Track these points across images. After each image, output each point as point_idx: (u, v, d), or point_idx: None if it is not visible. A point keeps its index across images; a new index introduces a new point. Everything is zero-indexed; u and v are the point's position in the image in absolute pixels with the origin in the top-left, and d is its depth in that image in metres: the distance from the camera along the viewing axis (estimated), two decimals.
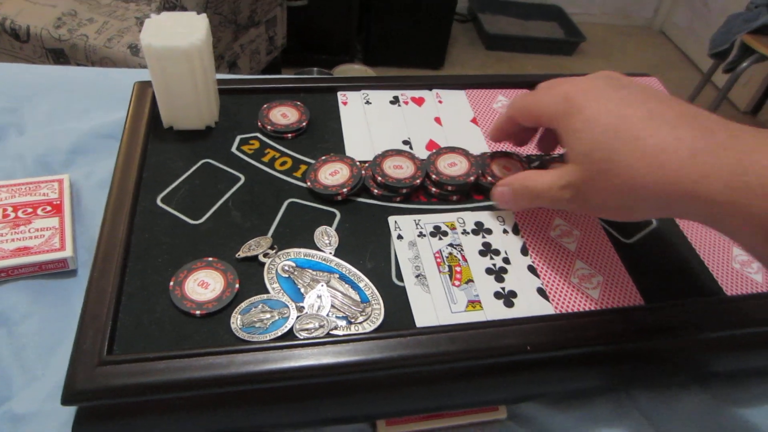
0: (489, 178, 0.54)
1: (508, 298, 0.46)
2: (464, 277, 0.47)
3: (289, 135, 0.57)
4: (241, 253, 0.46)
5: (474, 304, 0.45)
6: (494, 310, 0.45)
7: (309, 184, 0.52)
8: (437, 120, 0.61)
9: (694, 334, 0.46)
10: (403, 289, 0.45)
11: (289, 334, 0.42)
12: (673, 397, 0.50)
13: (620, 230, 0.53)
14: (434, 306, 0.44)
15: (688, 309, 0.47)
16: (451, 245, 0.49)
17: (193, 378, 0.38)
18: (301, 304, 0.43)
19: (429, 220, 0.51)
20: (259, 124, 0.58)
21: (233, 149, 0.55)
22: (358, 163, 0.53)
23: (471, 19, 2.60)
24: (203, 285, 0.44)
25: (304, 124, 0.57)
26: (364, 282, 0.46)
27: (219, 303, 0.43)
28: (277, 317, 0.42)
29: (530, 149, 0.60)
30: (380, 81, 0.65)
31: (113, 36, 1.30)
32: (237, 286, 0.44)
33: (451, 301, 0.45)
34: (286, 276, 0.45)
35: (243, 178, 0.52)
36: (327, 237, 0.48)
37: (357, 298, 0.45)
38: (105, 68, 0.77)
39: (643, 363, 0.48)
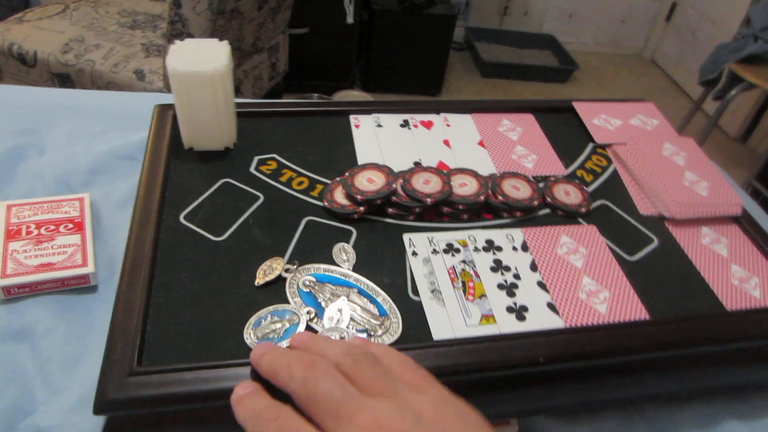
0: (499, 198, 0.56)
1: (520, 312, 0.48)
2: (477, 292, 0.49)
3: (378, 201, 0.53)
4: (259, 281, 0.47)
5: (488, 318, 0.47)
6: (507, 324, 0.47)
7: (326, 203, 0.54)
8: (446, 142, 0.64)
9: (698, 347, 0.48)
10: (419, 303, 0.47)
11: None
12: (678, 410, 0.52)
13: (623, 247, 0.55)
14: (450, 320, 0.46)
15: (692, 323, 0.48)
16: (464, 261, 0.51)
17: (221, 388, 0.40)
18: (306, 309, 0.45)
19: (442, 238, 0.53)
20: (343, 191, 0.55)
21: (252, 169, 0.57)
22: (392, 170, 0.56)
23: (467, 47, 2.66)
24: None
25: (394, 186, 0.54)
26: (382, 296, 0.48)
27: None
28: (288, 325, 0.44)
29: (537, 170, 0.62)
30: (390, 105, 0.68)
31: (119, 62, 1.33)
32: None
33: (465, 315, 0.47)
34: (307, 291, 0.47)
35: (262, 197, 0.54)
36: (345, 254, 0.50)
37: (376, 311, 0.46)
38: (118, 92, 0.80)
39: (650, 376, 0.49)
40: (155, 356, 0.42)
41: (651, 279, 0.52)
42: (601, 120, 0.70)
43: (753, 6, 2.09)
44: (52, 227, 0.56)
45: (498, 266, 0.51)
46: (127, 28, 1.46)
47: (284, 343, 0.43)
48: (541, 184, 0.60)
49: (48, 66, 1.35)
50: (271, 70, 1.69)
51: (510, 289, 0.49)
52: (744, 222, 0.59)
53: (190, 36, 1.26)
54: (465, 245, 0.52)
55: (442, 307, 0.47)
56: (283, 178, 0.57)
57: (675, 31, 2.82)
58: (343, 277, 0.48)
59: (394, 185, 0.53)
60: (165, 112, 0.60)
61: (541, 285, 0.50)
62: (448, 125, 0.66)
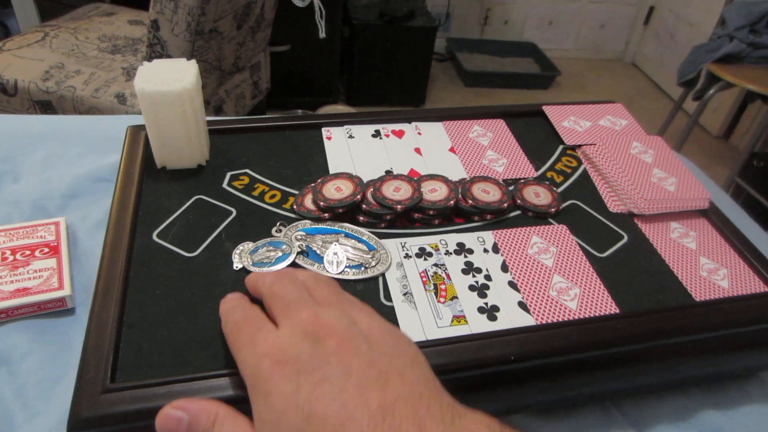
0: (469, 202, 0.57)
1: (491, 312, 0.48)
2: (449, 294, 0.49)
3: (341, 210, 0.55)
4: (239, 264, 0.50)
5: (459, 319, 0.47)
6: (478, 324, 0.47)
7: (295, 207, 0.56)
8: (417, 150, 0.65)
9: (668, 338, 0.49)
10: (392, 308, 0.48)
11: (293, 266, 0.50)
12: (656, 401, 0.53)
13: (594, 245, 0.56)
14: (421, 322, 0.47)
15: (660, 315, 0.49)
16: (435, 265, 0.52)
17: None
18: (299, 242, 0.53)
19: (414, 243, 0.54)
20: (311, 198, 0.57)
21: (224, 185, 0.58)
22: (362, 181, 0.57)
23: (449, 57, 2.68)
24: None
25: (358, 196, 0.55)
26: (366, 235, 0.53)
27: None
28: (280, 254, 0.51)
29: (508, 173, 0.63)
30: (362, 116, 0.69)
31: (100, 86, 1.34)
32: None
33: (437, 317, 0.47)
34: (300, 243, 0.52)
35: (235, 212, 0.55)
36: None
37: (365, 248, 0.52)
38: (97, 116, 0.80)
39: (623, 369, 0.50)
40: (129, 373, 0.42)
41: (621, 274, 0.53)
42: (570, 122, 0.71)
43: (727, 6, 2.12)
44: (28, 252, 0.56)
45: (469, 268, 0.52)
46: (107, 53, 1.47)
47: (275, 268, 0.49)
48: (511, 187, 0.60)
49: (29, 94, 1.36)
50: (253, 89, 1.71)
51: (481, 290, 0.50)
52: (712, 215, 0.61)
53: (170, 58, 1.27)
54: (437, 249, 0.53)
55: (414, 309, 0.48)
56: (256, 192, 0.57)
57: (653, 34, 2.86)
58: (329, 226, 0.54)
59: (359, 195, 0.54)
60: (137, 132, 0.61)
61: (512, 285, 0.51)
62: (419, 133, 0.67)
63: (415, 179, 0.58)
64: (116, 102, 1.30)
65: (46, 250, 0.57)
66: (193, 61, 0.55)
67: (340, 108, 2.10)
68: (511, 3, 2.70)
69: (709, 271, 0.55)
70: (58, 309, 0.54)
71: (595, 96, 2.67)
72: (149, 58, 1.28)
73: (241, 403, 0.41)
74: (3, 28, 1.87)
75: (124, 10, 1.73)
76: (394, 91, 2.26)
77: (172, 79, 0.53)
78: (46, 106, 1.38)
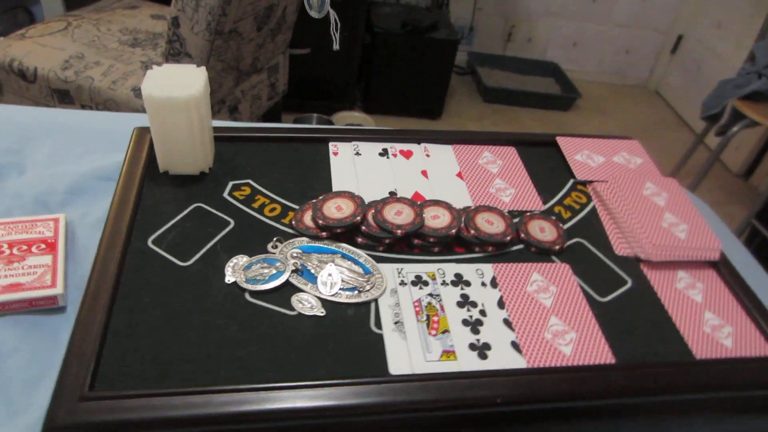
0: (471, 231, 0.56)
1: (482, 350, 0.47)
2: (441, 327, 0.48)
3: (339, 230, 0.54)
4: (231, 278, 0.49)
5: (449, 354, 0.46)
6: (468, 361, 0.46)
7: (293, 223, 0.55)
8: (424, 173, 0.64)
9: (663, 395, 0.47)
10: (380, 336, 0.47)
11: (286, 285, 0.49)
12: None
13: (596, 288, 0.54)
14: (409, 354, 0.46)
15: (657, 370, 0.48)
16: (430, 295, 0.51)
17: (171, 416, 0.39)
18: (293, 260, 0.51)
19: (411, 270, 0.53)
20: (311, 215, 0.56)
21: (225, 194, 0.57)
22: (363, 201, 0.56)
23: (470, 72, 2.67)
24: None
25: (358, 218, 0.54)
26: (363, 257, 0.52)
27: None
28: (274, 271, 0.50)
29: (514, 204, 0.62)
30: (372, 133, 0.68)
31: (118, 79, 1.34)
32: None
33: (426, 350, 0.46)
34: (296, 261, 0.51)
35: (233, 223, 0.54)
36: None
37: (361, 270, 0.51)
38: (106, 112, 0.81)
39: (614, 421, 0.48)
40: (109, 382, 0.41)
41: (621, 322, 0.52)
42: (583, 156, 0.70)
43: (758, 43, 2.09)
44: (25, 247, 0.56)
45: (465, 301, 0.51)
46: (127, 45, 1.48)
47: (268, 286, 0.49)
48: (516, 219, 0.59)
49: (48, 82, 1.37)
50: (270, 90, 1.71)
51: (474, 326, 0.49)
52: (722, 267, 0.59)
53: (188, 56, 1.28)
54: (434, 278, 0.52)
55: (404, 340, 0.47)
56: (256, 204, 0.57)
57: (680, 63, 2.83)
58: (326, 245, 0.53)
59: (359, 217, 0.53)
60: (143, 134, 0.61)
61: (507, 323, 0.50)
62: (427, 155, 0.66)
63: (418, 204, 0.57)
64: (132, 95, 1.31)
65: (43, 246, 0.57)
66: (203, 68, 0.54)
67: (356, 115, 2.10)
68: (536, 21, 2.69)
69: (713, 328, 0.53)
70: (49, 306, 0.54)
71: (614, 121, 2.65)
72: (168, 55, 1.29)
73: (220, 423, 0.40)
74: (28, 15, 1.88)
75: (148, 4, 1.73)
76: (412, 101, 2.25)
77: (180, 85, 0.52)
78: (63, 95, 1.38)
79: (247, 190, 0.58)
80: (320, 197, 0.56)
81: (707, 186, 2.25)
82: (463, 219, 0.57)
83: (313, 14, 0.74)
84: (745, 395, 0.50)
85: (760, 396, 0.49)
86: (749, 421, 0.51)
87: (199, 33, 1.24)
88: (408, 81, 2.20)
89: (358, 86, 2.28)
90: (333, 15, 0.76)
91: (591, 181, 0.67)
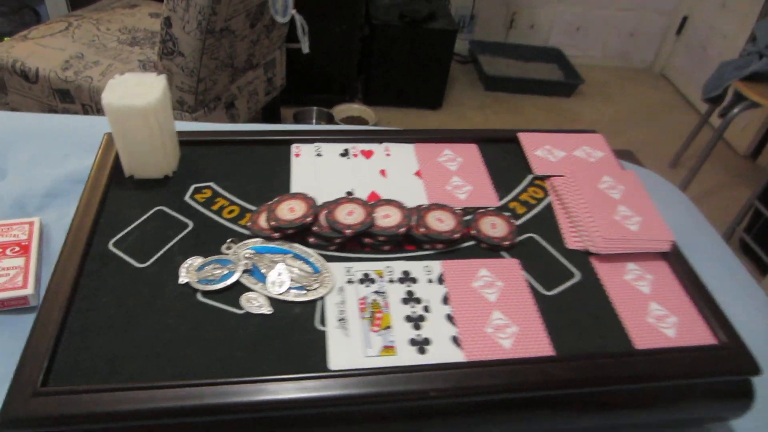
0: (421, 230, 0.58)
1: (422, 345, 0.49)
2: (383, 323, 0.50)
3: (290, 231, 0.56)
4: (185, 278, 0.52)
5: (389, 349, 0.48)
6: (407, 356, 0.48)
7: (249, 224, 0.57)
8: (382, 172, 0.65)
9: (600, 386, 0.49)
10: (323, 334, 0.49)
11: (237, 285, 0.52)
12: None
13: (543, 282, 0.56)
14: (349, 349, 0.48)
15: (595, 362, 0.49)
16: (376, 292, 0.53)
17: (118, 410, 0.42)
18: (245, 261, 0.54)
19: (360, 268, 0.55)
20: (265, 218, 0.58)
21: (186, 197, 0.60)
22: (315, 203, 0.58)
23: (471, 60, 2.66)
24: None
25: (309, 219, 0.56)
26: (314, 257, 0.55)
27: None
28: (226, 272, 0.52)
29: (470, 201, 0.64)
30: (335, 134, 0.70)
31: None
32: None
33: (367, 345, 0.48)
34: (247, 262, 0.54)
35: (191, 225, 0.57)
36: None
37: (310, 270, 0.53)
38: (90, 116, 0.83)
39: (551, 413, 0.50)
40: (62, 378, 0.44)
41: (564, 315, 0.53)
42: (544, 151, 0.71)
43: (759, 22, 2.06)
44: (0, 250, 0.59)
45: (410, 298, 0.53)
46: (126, 45, 1.51)
47: (219, 286, 0.51)
48: (468, 217, 0.61)
49: (49, 82, 1.41)
50: (267, 86, 1.73)
51: (417, 322, 0.51)
52: (673, 259, 0.60)
53: (181, 55, 1.30)
54: (381, 276, 0.54)
55: (346, 336, 0.49)
56: (215, 207, 0.59)
57: (685, 45, 2.79)
58: (278, 246, 0.55)
59: (309, 218, 0.55)
60: (113, 140, 0.63)
61: (449, 318, 0.51)
62: (388, 155, 0.68)
63: (370, 204, 0.59)
64: None
65: (17, 249, 0.60)
66: (162, 77, 0.57)
67: (356, 107, 2.11)
68: (538, 7, 2.66)
69: (657, 318, 0.54)
70: (21, 306, 0.57)
71: (619, 106, 2.62)
72: (162, 54, 1.31)
73: (159, 417, 0.43)
74: (35, 15, 1.93)
75: (147, 2, 1.76)
76: (412, 92, 2.26)
77: (138, 94, 0.55)
78: (64, 94, 1.42)
79: (208, 193, 0.61)
80: (275, 199, 0.58)
81: (713, 167, 2.23)
82: (414, 218, 0.59)
83: (278, 19, 0.75)
84: (686, 383, 0.51)
85: (701, 383, 0.51)
86: (693, 408, 0.53)
87: (190, 32, 1.26)
88: (408, 72, 2.21)
89: (359, 79, 2.29)
90: (299, 19, 0.77)
91: (549, 176, 0.68)
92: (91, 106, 1.42)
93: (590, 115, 2.50)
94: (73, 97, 1.43)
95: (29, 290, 0.56)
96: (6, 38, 1.50)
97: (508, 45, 2.72)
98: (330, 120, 2.07)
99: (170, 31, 1.27)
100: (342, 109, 2.10)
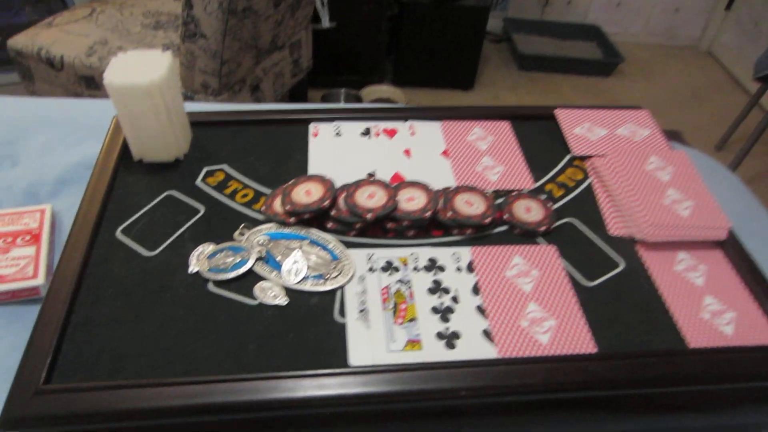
0: (449, 213, 0.53)
1: (450, 339, 0.45)
2: (408, 315, 0.46)
3: (307, 215, 0.52)
4: (195, 267, 0.48)
5: (414, 343, 0.44)
6: (434, 351, 0.44)
7: (263, 209, 0.54)
8: (406, 152, 0.61)
9: (648, 388, 0.44)
10: (343, 326, 0.45)
11: (250, 273, 0.48)
12: None
13: (583, 271, 0.51)
14: (372, 343, 0.44)
15: (643, 361, 0.44)
16: (400, 281, 0.48)
17: (123, 409, 0.39)
18: (258, 248, 0.50)
19: (382, 255, 0.50)
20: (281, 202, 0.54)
21: (198, 181, 0.56)
22: (333, 185, 0.54)
23: (505, 38, 2.57)
24: None
25: (327, 202, 0.52)
26: (332, 243, 0.50)
27: None
28: (238, 259, 0.48)
29: (502, 183, 0.59)
30: (356, 112, 0.65)
31: None
32: None
33: (390, 339, 0.44)
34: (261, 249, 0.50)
35: (203, 210, 0.53)
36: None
37: (328, 257, 0.49)
38: (100, 100, 0.80)
39: (593, 415, 0.46)
40: (66, 375, 0.42)
41: (607, 308, 0.48)
42: (583, 129, 0.65)
43: None
44: (10, 239, 0.57)
45: (437, 288, 0.48)
46: (150, 29, 1.49)
47: (231, 275, 0.47)
48: (500, 200, 0.56)
49: (74, 69, 1.40)
50: (293, 67, 1.69)
51: (444, 314, 0.46)
52: (730, 249, 0.54)
53: (203, 37, 1.27)
54: (405, 264, 0.50)
55: (367, 329, 0.45)
56: (228, 191, 0.56)
57: (736, 21, 2.64)
58: (294, 232, 0.51)
59: (327, 201, 0.51)
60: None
61: (480, 310, 0.47)
62: (412, 133, 0.64)
63: (393, 186, 0.54)
64: None
65: (28, 237, 0.57)
66: (168, 53, 0.53)
67: (386, 89, 2.06)
68: None
69: (712, 314, 0.49)
70: (32, 297, 0.55)
71: (660, 86, 2.50)
72: (184, 37, 1.29)
73: (169, 416, 0.40)
74: (61, 2, 1.93)
75: None
76: (443, 72, 2.19)
77: (142, 71, 0.51)
78: (89, 81, 1.41)
79: (221, 176, 0.57)
80: (291, 182, 0.55)
81: (762, 151, 2.10)
82: (440, 201, 0.54)
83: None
84: (743, 387, 0.46)
85: (758, 387, 0.45)
86: (751, 413, 0.48)
87: (212, 13, 1.23)
88: (438, 52, 2.14)
89: (388, 59, 2.24)
90: None
91: (589, 156, 0.62)
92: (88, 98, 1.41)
93: (630, 95, 2.39)
94: (98, 84, 1.41)
95: (40, 280, 0.54)
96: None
97: (543, 22, 2.61)
98: (358, 102, 2.02)
99: (191, 13, 1.24)
100: (371, 91, 2.05)
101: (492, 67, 2.43)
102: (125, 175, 0.56)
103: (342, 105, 1.91)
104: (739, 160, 1.91)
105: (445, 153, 0.61)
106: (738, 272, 0.52)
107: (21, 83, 1.52)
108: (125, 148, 0.58)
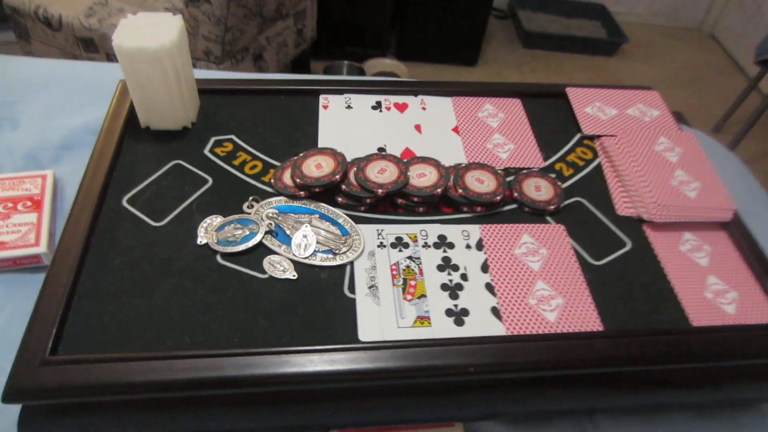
0: (459, 191, 0.53)
1: (459, 316, 0.45)
2: (417, 292, 0.46)
3: (317, 189, 0.51)
4: (203, 239, 0.48)
5: (423, 320, 0.44)
6: (443, 328, 0.44)
7: (272, 181, 0.53)
8: (417, 127, 0.60)
9: (653, 365, 0.45)
10: (353, 301, 0.45)
11: (259, 247, 0.48)
12: (638, 424, 0.49)
13: (591, 250, 0.51)
14: (381, 320, 0.44)
15: (648, 339, 0.44)
16: (410, 258, 0.48)
17: (130, 382, 0.39)
18: (268, 221, 0.49)
19: (392, 231, 0.50)
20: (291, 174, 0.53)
21: (206, 151, 0.56)
22: (345, 158, 0.53)
23: (510, 15, 2.54)
24: None
25: (337, 176, 0.51)
26: (343, 218, 0.50)
27: None
28: (247, 232, 0.48)
29: (512, 161, 0.58)
30: (367, 85, 0.64)
31: None
32: None
33: (399, 315, 0.44)
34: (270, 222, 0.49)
35: (211, 181, 0.53)
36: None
37: (338, 232, 0.49)
38: (111, 63, 0.79)
39: (599, 391, 0.46)
40: (72, 346, 0.41)
41: (614, 287, 0.49)
42: (594, 108, 0.65)
43: None
44: (11, 205, 0.56)
45: (446, 265, 0.48)
46: None
47: (240, 247, 0.47)
48: (510, 178, 0.56)
49: (72, 30, 1.37)
50: (297, 37, 1.67)
51: (453, 291, 0.46)
52: (734, 230, 0.54)
53: (208, 2, 1.25)
54: (415, 240, 0.50)
55: (377, 305, 0.45)
56: (237, 162, 0.55)
57: (739, 3, 2.61)
58: (304, 205, 0.51)
59: (338, 175, 0.51)
60: (128, 87, 0.59)
61: (489, 287, 0.47)
62: (423, 108, 0.63)
63: (404, 161, 0.54)
64: None
65: (29, 203, 0.57)
66: (179, 17, 0.52)
67: (388, 62, 2.04)
68: None
69: (715, 293, 0.49)
70: (33, 265, 0.54)
71: (662, 66, 2.49)
72: (187, 1, 1.26)
73: (177, 389, 0.40)
74: None
75: None
76: (447, 47, 2.16)
77: (152, 35, 0.50)
78: (88, 42, 1.38)
79: (230, 146, 0.56)
80: (301, 154, 0.54)
81: (758, 134, 2.10)
82: (451, 177, 0.54)
83: None
84: (745, 364, 0.46)
85: (759, 365, 0.46)
86: (751, 388, 0.48)
87: None
88: (443, 26, 2.11)
89: (392, 32, 2.21)
90: None
91: (599, 136, 0.62)
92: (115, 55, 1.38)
93: (632, 75, 2.37)
94: (97, 46, 1.39)
95: (42, 248, 0.53)
96: None
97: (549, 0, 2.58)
98: (361, 75, 2.00)
99: None
100: (373, 64, 2.03)
101: (496, 44, 2.40)
102: (131, 143, 0.55)
103: (353, 77, 1.89)
104: (736, 143, 1.91)
105: (455, 129, 0.61)
106: (741, 253, 0.53)
107: (17, 43, 1.48)
108: (131, 114, 0.57)
